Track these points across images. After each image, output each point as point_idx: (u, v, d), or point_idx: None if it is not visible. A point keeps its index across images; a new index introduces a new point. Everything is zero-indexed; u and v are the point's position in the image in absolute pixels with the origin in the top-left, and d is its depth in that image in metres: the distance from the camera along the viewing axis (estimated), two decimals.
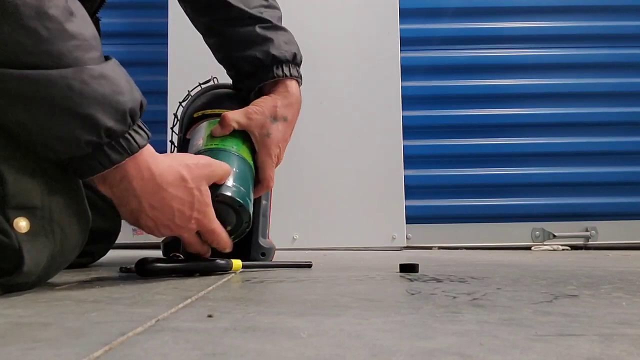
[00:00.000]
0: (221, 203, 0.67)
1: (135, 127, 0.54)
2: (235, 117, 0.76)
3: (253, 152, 0.78)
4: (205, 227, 0.64)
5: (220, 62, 0.87)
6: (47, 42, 0.48)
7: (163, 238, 0.80)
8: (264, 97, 0.79)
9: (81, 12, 0.52)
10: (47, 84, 0.48)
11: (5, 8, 0.46)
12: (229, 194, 0.67)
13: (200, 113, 0.79)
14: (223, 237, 0.66)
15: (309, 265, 0.80)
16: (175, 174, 0.59)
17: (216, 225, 0.65)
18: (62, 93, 0.48)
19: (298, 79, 0.82)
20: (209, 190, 0.63)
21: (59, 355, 0.26)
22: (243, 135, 0.77)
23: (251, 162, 0.76)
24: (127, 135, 0.53)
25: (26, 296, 0.48)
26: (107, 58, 0.53)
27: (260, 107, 0.78)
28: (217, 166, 0.66)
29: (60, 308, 0.41)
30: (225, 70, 0.86)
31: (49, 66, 0.48)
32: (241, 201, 0.68)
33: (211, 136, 0.75)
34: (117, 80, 0.52)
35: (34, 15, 0.47)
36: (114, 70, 0.53)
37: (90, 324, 0.34)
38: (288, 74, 0.80)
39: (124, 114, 0.52)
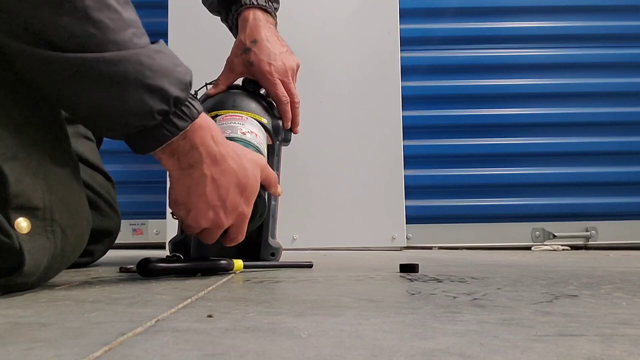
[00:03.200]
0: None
1: (191, 96, 0.58)
2: (221, 79, 0.83)
3: (266, 109, 0.81)
4: (243, 222, 0.65)
5: (212, 10, 0.95)
6: (112, 32, 0.51)
7: (170, 238, 0.81)
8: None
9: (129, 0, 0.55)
10: (122, 61, 0.51)
11: (73, 4, 0.49)
12: (266, 205, 0.70)
13: (213, 113, 0.80)
14: (243, 235, 0.67)
15: (309, 266, 0.80)
16: (233, 147, 0.64)
17: (248, 220, 0.66)
18: (135, 68, 0.52)
19: (265, 8, 0.86)
20: (259, 182, 0.66)
21: (59, 356, 0.26)
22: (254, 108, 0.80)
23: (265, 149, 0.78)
24: (187, 103, 0.57)
25: (26, 296, 0.48)
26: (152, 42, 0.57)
27: (232, 53, 0.85)
28: (270, 171, 0.70)
29: (60, 308, 0.41)
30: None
31: (113, 51, 0.51)
32: (263, 195, 0.70)
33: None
34: (172, 55, 0.57)
35: (98, 7, 0.50)
36: (166, 47, 0.57)
37: (90, 324, 0.34)
38: (255, 2, 0.85)
39: (185, 83, 0.57)
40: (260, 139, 0.78)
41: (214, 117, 0.80)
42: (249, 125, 0.77)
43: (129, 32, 0.52)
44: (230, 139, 0.71)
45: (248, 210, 0.65)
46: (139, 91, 0.52)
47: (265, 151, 0.78)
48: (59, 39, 0.49)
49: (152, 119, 0.54)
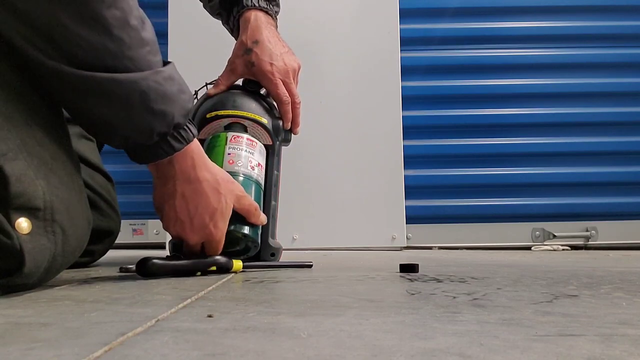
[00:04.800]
0: (240, 237, 0.73)
1: (189, 120, 0.63)
2: (222, 79, 0.83)
3: (266, 109, 0.83)
4: (212, 241, 0.68)
5: (213, 13, 0.95)
6: (129, 49, 0.54)
7: (170, 238, 0.81)
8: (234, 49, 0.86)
9: (147, 19, 0.58)
10: (131, 85, 0.55)
11: (97, 20, 0.52)
12: (252, 235, 0.74)
13: (213, 114, 0.80)
14: (218, 250, 0.70)
15: (309, 266, 0.80)
16: (213, 174, 0.67)
17: (220, 239, 0.69)
18: (142, 92, 0.56)
19: (266, 10, 0.87)
20: (231, 209, 0.69)
21: (59, 356, 0.26)
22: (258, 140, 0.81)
23: (262, 185, 0.80)
24: (185, 127, 0.61)
25: (26, 296, 0.48)
26: (164, 62, 0.60)
27: (233, 54, 0.85)
28: (249, 200, 0.72)
29: (60, 308, 0.41)
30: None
31: (129, 69, 0.55)
32: (256, 238, 0.75)
33: (227, 142, 0.78)
34: (180, 81, 0.61)
35: (120, 25, 0.53)
36: (176, 72, 0.61)
37: (90, 324, 0.34)
38: (256, 4, 0.86)
39: (187, 109, 0.61)
40: (262, 169, 0.80)
41: (214, 117, 0.79)
42: (257, 154, 0.79)
43: (145, 50, 0.56)
44: (233, 173, 0.74)
45: (217, 232, 0.67)
46: (143, 112, 0.56)
47: (262, 181, 0.80)
48: (79, 50, 0.52)
49: (151, 139, 0.59)
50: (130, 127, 0.57)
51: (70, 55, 0.52)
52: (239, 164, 0.76)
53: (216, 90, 0.83)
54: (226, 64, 0.86)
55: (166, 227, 0.68)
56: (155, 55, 0.57)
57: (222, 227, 0.68)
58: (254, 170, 0.77)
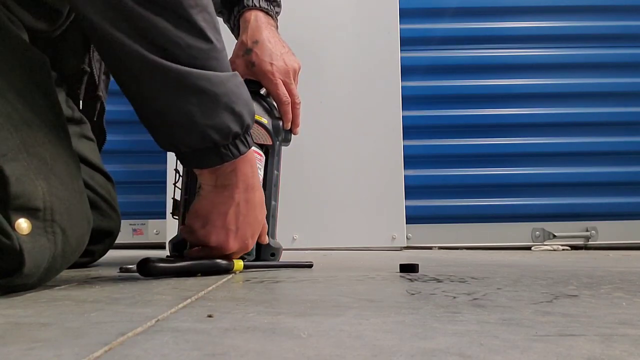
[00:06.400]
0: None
1: None
2: None
3: (267, 109, 0.83)
4: (242, 252, 0.70)
5: (215, 11, 0.96)
6: (215, 50, 0.58)
7: (170, 238, 0.81)
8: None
9: None
10: (219, 83, 0.59)
11: (192, 23, 0.56)
12: (253, 253, 0.79)
13: None
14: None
15: (309, 266, 0.80)
16: (261, 188, 0.70)
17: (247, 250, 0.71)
18: (227, 92, 0.59)
19: (267, 10, 0.87)
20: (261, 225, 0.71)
21: (59, 356, 0.26)
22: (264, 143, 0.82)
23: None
24: (250, 132, 0.64)
25: (26, 296, 0.48)
26: None
27: (233, 54, 0.85)
28: (265, 227, 0.75)
29: (60, 308, 0.41)
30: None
31: (214, 68, 0.58)
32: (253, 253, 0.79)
33: None
34: (247, 89, 0.64)
35: (209, 27, 0.58)
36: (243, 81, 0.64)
37: (90, 324, 0.34)
38: (257, 4, 0.86)
39: (253, 115, 0.65)
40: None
41: None
42: (262, 169, 0.81)
43: (224, 53, 0.60)
44: None
45: (251, 245, 0.69)
46: (225, 111, 0.59)
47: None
48: (176, 49, 0.56)
49: (226, 139, 0.61)
50: (212, 124, 0.59)
51: (169, 53, 0.55)
52: None
53: None
54: None
55: (205, 235, 0.66)
56: (227, 58, 0.61)
57: (255, 241, 0.71)
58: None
